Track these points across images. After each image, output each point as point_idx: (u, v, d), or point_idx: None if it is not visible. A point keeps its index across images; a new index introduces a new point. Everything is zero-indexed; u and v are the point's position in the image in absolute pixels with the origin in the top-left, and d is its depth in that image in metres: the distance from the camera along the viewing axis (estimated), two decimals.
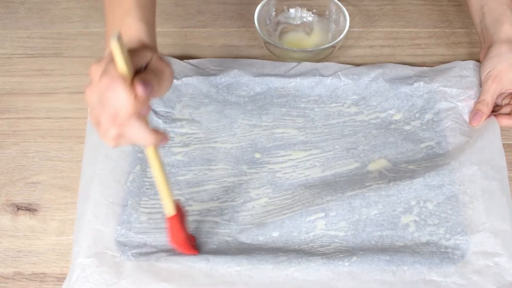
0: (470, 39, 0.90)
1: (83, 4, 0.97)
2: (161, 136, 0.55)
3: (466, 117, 0.78)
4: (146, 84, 0.52)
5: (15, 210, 0.73)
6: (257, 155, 0.76)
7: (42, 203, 0.73)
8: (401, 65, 0.84)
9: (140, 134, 0.53)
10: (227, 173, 0.74)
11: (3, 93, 0.85)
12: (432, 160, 0.74)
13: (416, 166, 0.74)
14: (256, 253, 0.66)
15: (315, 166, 0.75)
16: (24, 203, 0.73)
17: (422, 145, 0.76)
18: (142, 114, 0.53)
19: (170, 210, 0.62)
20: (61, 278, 0.67)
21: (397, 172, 0.73)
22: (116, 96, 0.51)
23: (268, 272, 0.64)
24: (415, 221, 0.69)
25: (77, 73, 0.87)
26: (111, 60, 0.52)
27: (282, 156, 0.76)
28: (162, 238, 0.68)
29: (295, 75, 0.82)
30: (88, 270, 0.64)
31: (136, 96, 0.51)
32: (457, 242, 0.67)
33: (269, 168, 0.75)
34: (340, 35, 0.85)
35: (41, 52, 0.90)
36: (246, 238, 0.68)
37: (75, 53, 0.90)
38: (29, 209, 0.73)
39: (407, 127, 0.79)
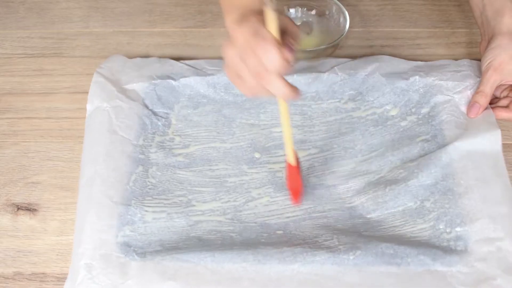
0: (470, 39, 0.90)
1: (83, 4, 0.97)
2: (296, 91, 0.61)
3: (463, 109, 0.77)
4: (291, 47, 0.59)
5: (15, 210, 0.73)
6: (257, 155, 0.76)
7: (42, 203, 0.73)
8: (396, 58, 0.84)
9: (280, 89, 0.59)
10: (228, 173, 0.74)
11: (3, 93, 0.85)
12: (426, 156, 0.74)
13: (411, 163, 0.73)
14: (261, 248, 0.66)
15: (314, 166, 0.75)
16: (24, 203, 0.73)
17: (418, 140, 0.76)
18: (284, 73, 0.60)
19: (292, 160, 0.69)
20: (61, 278, 0.67)
21: (391, 171, 0.73)
22: (268, 56, 0.57)
23: (274, 267, 0.64)
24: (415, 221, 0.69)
25: (77, 73, 0.87)
26: (260, 24, 0.58)
27: (281, 155, 0.76)
28: (167, 237, 0.68)
29: (291, 73, 0.81)
30: (94, 272, 0.64)
31: (285, 58, 0.58)
32: (458, 234, 0.66)
33: (269, 168, 0.75)
34: (340, 35, 0.85)
35: (41, 52, 0.90)
36: (250, 234, 0.68)
37: (75, 53, 0.90)
38: (29, 209, 0.73)
39: (403, 123, 0.78)
